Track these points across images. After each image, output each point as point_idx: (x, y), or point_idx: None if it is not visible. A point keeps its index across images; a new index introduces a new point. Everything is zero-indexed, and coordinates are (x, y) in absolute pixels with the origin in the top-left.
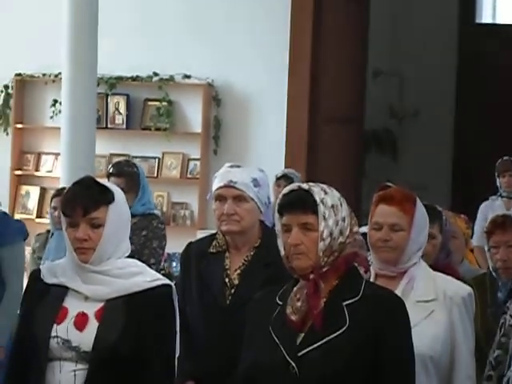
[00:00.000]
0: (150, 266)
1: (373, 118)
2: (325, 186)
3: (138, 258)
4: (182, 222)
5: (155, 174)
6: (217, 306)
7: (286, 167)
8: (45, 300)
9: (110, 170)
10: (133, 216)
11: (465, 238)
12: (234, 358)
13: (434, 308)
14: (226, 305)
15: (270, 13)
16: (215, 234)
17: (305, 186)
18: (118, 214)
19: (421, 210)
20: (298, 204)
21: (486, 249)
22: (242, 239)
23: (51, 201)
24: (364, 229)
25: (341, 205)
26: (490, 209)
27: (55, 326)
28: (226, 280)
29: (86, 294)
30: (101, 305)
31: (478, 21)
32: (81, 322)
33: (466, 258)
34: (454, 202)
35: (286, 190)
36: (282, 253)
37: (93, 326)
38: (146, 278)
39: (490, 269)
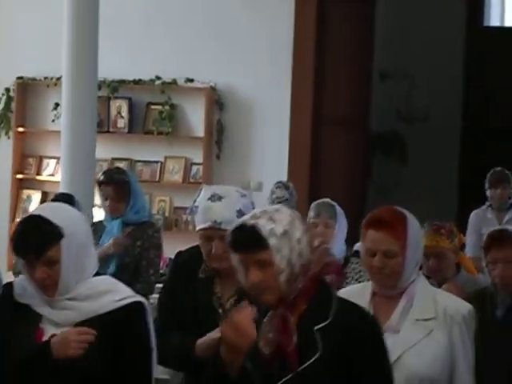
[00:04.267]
0: (148, 276)
1: (380, 121)
2: (272, 211)
3: (136, 269)
4: (184, 227)
5: (157, 179)
6: (207, 332)
7: (289, 172)
8: (20, 320)
9: (100, 179)
10: (126, 225)
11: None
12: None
13: (434, 327)
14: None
15: (274, 16)
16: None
17: (250, 221)
18: (73, 245)
19: (413, 228)
20: (248, 244)
21: (484, 264)
22: (232, 268)
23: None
24: None
25: (292, 227)
26: (482, 221)
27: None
28: (220, 310)
29: (54, 320)
30: (70, 328)
31: (486, 24)
32: None
33: (462, 264)
34: (461, 205)
35: (231, 228)
36: (245, 287)
37: None
38: (114, 296)
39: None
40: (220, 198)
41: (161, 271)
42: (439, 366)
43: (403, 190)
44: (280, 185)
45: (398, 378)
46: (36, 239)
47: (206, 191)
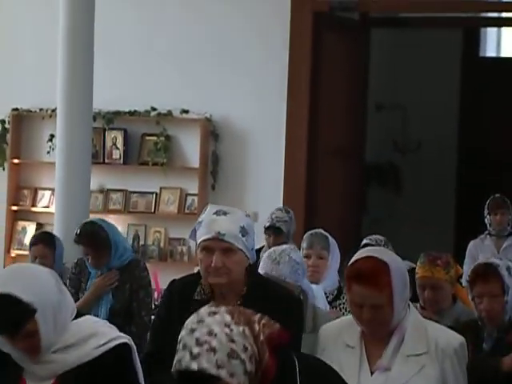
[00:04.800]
0: (141, 318)
1: (376, 152)
2: (210, 325)
3: (128, 312)
4: (179, 258)
5: (153, 210)
6: None
7: (284, 202)
8: (4, 370)
9: (77, 238)
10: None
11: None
12: None
13: (426, 362)
14: None
15: (268, 47)
16: (198, 275)
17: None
18: (48, 313)
19: (397, 274)
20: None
21: (470, 297)
22: (229, 288)
23: (30, 248)
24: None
25: (233, 341)
26: (480, 248)
27: None
28: None
29: (37, 374)
30: (54, 378)
31: (481, 55)
32: None
33: (458, 296)
34: (458, 236)
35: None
36: None
37: None
38: (98, 341)
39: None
40: (225, 213)
41: (156, 303)
42: None
43: (398, 221)
44: (281, 208)
45: None
46: (9, 322)
47: (211, 208)
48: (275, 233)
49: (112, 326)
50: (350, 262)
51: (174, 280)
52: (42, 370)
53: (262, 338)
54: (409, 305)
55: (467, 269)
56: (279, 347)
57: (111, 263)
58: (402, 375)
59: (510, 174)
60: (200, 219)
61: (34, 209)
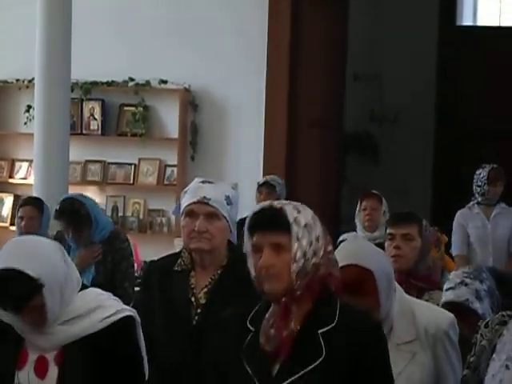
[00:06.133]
0: (124, 289)
1: (353, 122)
2: (298, 205)
3: (111, 283)
4: (158, 230)
5: (131, 181)
6: (183, 325)
7: (264, 173)
8: (2, 342)
9: (55, 214)
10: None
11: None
12: (201, 378)
13: (417, 350)
14: (192, 324)
15: (248, 17)
16: (179, 253)
17: (277, 204)
18: (55, 287)
19: (382, 278)
20: (270, 223)
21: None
22: (210, 258)
23: (17, 210)
24: (345, 236)
25: (314, 224)
26: (468, 217)
27: (16, 371)
28: (193, 299)
29: (41, 346)
30: (59, 349)
31: (458, 23)
32: (41, 368)
33: (445, 267)
34: (435, 206)
35: (256, 208)
36: (253, 274)
37: (53, 372)
38: (103, 313)
39: None
40: (211, 182)
41: (136, 274)
42: None
43: (375, 190)
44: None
45: None
46: (16, 296)
47: (197, 179)
48: (269, 189)
49: (116, 298)
50: None
51: (153, 261)
52: (46, 342)
53: (328, 253)
54: (394, 289)
55: (457, 238)
56: (328, 282)
57: (92, 238)
58: (396, 365)
59: (487, 142)
60: (185, 189)
61: (11, 180)
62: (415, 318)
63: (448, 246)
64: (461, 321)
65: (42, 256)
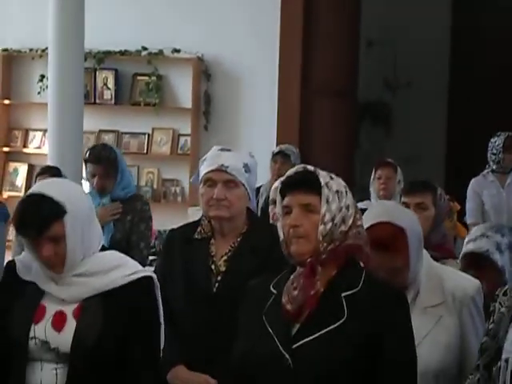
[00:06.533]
0: (140, 250)
1: (367, 90)
2: (332, 173)
3: (127, 243)
4: (172, 199)
5: (145, 151)
6: (203, 292)
7: (278, 142)
8: (21, 298)
9: (87, 156)
10: (115, 201)
11: (454, 222)
12: (221, 344)
13: (443, 313)
14: (212, 292)
15: None
16: (199, 221)
17: (311, 167)
18: (77, 220)
19: (414, 237)
20: (302, 184)
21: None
22: (230, 225)
23: (35, 180)
24: (361, 205)
25: (346, 193)
26: (483, 185)
27: (33, 325)
28: (213, 267)
29: (61, 297)
30: (78, 303)
31: None
32: (58, 321)
33: (458, 235)
34: (449, 174)
35: (290, 171)
36: (281, 237)
37: (71, 326)
38: (124, 271)
39: None
40: (230, 150)
41: (150, 244)
42: (452, 357)
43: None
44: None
45: None
46: (38, 217)
47: (215, 147)
48: (283, 158)
49: (136, 262)
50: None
51: (173, 229)
52: (66, 292)
53: (358, 226)
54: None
55: (471, 206)
56: (355, 253)
57: (115, 192)
58: (421, 327)
59: (503, 109)
60: (204, 157)
61: (25, 150)
62: (442, 283)
63: (461, 213)
64: (480, 272)
65: (68, 188)
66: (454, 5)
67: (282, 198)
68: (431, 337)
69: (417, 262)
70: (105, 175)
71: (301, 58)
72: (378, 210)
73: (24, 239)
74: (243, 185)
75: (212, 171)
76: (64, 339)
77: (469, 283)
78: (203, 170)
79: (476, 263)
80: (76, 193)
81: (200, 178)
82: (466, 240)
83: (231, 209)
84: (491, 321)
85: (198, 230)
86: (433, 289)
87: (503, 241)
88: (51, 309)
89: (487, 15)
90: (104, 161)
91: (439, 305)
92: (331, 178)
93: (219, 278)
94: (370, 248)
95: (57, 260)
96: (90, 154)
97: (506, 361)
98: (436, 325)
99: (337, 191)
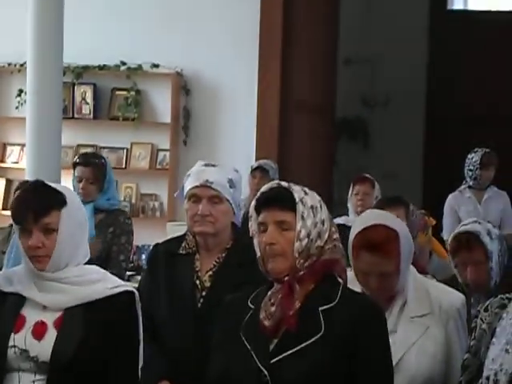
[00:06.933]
0: (119, 262)
1: (344, 106)
2: (306, 188)
3: (107, 255)
4: (151, 214)
5: (124, 165)
6: (188, 308)
7: (257, 157)
8: (1, 309)
9: (77, 160)
10: (98, 211)
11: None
12: (206, 360)
13: (430, 323)
14: (197, 307)
15: (240, 1)
16: (183, 236)
17: (285, 184)
18: (72, 218)
19: (405, 242)
20: (276, 200)
21: (453, 265)
22: (215, 241)
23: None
24: (338, 220)
25: (321, 207)
26: (460, 201)
27: (13, 335)
28: (197, 282)
29: (42, 303)
30: (60, 313)
31: (449, 7)
32: (39, 331)
33: (433, 249)
34: (425, 190)
35: (264, 187)
36: (258, 254)
37: (51, 335)
38: (106, 285)
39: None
40: (214, 165)
41: (129, 261)
42: (439, 365)
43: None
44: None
45: (400, 381)
46: (37, 202)
47: (200, 162)
48: (262, 173)
49: (117, 278)
50: (357, 230)
51: (158, 243)
52: (46, 299)
53: (334, 240)
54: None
55: (448, 222)
56: (331, 267)
57: (99, 200)
58: (409, 337)
59: (478, 128)
60: (188, 172)
61: (2, 164)
62: (429, 295)
63: (437, 228)
64: (469, 254)
65: (71, 191)
66: (432, 25)
67: (258, 214)
68: (418, 346)
69: (406, 270)
70: (92, 179)
71: (279, 74)
72: (371, 215)
73: (17, 227)
74: (228, 200)
75: (197, 187)
76: (44, 348)
77: (454, 295)
78: (188, 185)
79: (467, 243)
80: (75, 197)
81: (185, 193)
82: (458, 226)
83: (216, 224)
84: (473, 337)
85: (183, 245)
86: (420, 299)
87: (494, 231)
88: (32, 319)
89: (466, 28)
90: (93, 164)
91: (426, 315)
92: (305, 193)
93: (204, 293)
94: (363, 251)
95: (43, 254)
96: (79, 157)
97: (487, 378)
98: (423, 335)
99: (311, 206)
